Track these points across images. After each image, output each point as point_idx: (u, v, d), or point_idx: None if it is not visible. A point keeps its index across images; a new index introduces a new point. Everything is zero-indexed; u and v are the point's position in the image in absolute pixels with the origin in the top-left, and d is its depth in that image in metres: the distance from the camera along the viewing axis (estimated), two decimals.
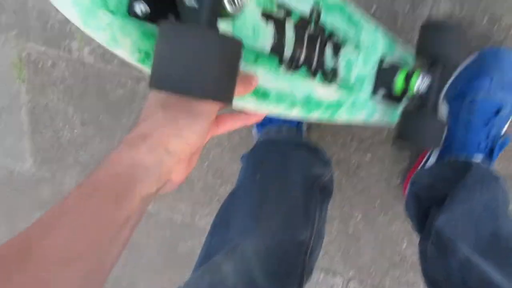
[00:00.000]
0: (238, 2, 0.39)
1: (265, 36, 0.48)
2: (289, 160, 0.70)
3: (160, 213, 1.13)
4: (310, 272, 0.66)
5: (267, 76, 0.48)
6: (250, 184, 0.68)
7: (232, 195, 0.69)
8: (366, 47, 0.63)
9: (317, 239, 0.67)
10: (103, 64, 0.98)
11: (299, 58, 0.53)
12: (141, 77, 0.97)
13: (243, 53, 0.38)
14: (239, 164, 1.01)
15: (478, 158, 0.73)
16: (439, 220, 0.67)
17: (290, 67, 0.51)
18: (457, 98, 0.75)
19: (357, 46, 0.61)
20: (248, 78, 0.43)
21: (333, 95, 0.59)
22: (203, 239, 1.12)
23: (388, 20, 0.78)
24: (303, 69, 0.52)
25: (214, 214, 1.08)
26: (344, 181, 0.95)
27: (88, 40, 0.97)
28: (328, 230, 0.97)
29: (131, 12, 0.36)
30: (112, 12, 0.35)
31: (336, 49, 0.58)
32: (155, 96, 0.40)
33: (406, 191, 0.85)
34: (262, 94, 0.47)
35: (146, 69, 0.38)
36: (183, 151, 0.39)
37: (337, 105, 0.60)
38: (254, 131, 0.91)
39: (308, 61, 0.54)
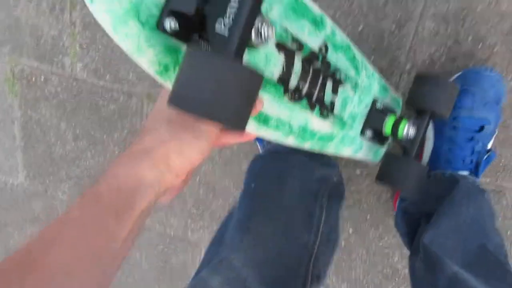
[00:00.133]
0: (264, 36, 0.40)
1: (276, 65, 0.50)
2: (287, 166, 0.70)
3: (153, 227, 1.13)
4: (318, 277, 0.65)
5: (271, 103, 0.50)
6: (243, 196, 0.68)
7: (231, 210, 0.70)
8: (363, 88, 0.65)
9: (325, 243, 0.66)
10: (95, 80, 0.99)
11: (302, 89, 0.55)
12: (133, 93, 0.98)
13: None
14: (230, 179, 1.01)
15: (463, 173, 0.74)
16: (426, 236, 0.67)
17: (293, 97, 0.52)
18: None
19: (355, 86, 0.63)
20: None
21: (326, 128, 0.61)
22: (195, 253, 1.12)
23: (375, 39, 0.80)
24: (304, 101, 0.54)
25: (206, 228, 1.09)
26: None
27: (81, 56, 0.97)
28: None
29: (159, 26, 0.38)
30: (142, 23, 0.36)
31: (336, 86, 0.61)
32: (160, 110, 0.40)
33: (396, 207, 0.86)
34: (263, 119, 0.49)
35: (161, 81, 0.39)
36: (184, 167, 0.39)
37: (328, 138, 0.62)
38: (258, 144, 0.91)
39: (309, 94, 0.57)
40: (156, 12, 0.38)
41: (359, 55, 0.62)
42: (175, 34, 0.38)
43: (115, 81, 0.97)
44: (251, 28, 0.38)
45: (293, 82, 0.53)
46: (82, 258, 0.33)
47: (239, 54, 0.37)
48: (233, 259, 0.58)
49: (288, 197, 0.66)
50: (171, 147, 0.38)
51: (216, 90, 0.34)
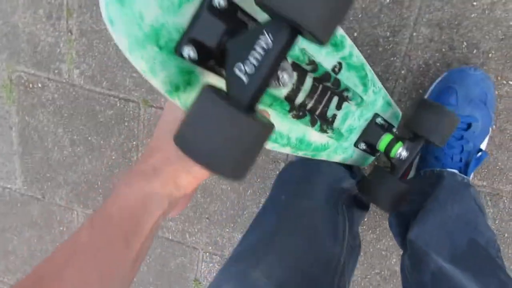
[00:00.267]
0: (282, 82, 0.40)
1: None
2: (316, 173, 0.71)
3: None
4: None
5: (274, 118, 0.50)
6: (269, 206, 0.68)
7: (255, 218, 0.69)
8: (367, 103, 0.66)
9: (350, 252, 0.66)
10: (92, 86, 0.99)
11: (307, 105, 0.55)
12: (130, 99, 0.98)
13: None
14: (226, 183, 1.02)
15: (452, 171, 0.74)
16: (412, 232, 0.67)
17: (298, 115, 0.53)
18: None
19: (360, 103, 0.64)
20: (262, 113, 0.45)
21: (323, 140, 0.62)
22: (193, 256, 1.13)
23: (370, 45, 0.80)
24: (308, 117, 0.54)
25: (204, 232, 1.09)
26: None
27: (77, 63, 0.98)
28: None
29: (177, 52, 0.37)
30: (160, 47, 0.36)
31: (341, 102, 0.61)
32: (166, 125, 0.41)
33: None
34: None
35: (166, 95, 0.39)
36: (191, 185, 0.40)
37: (323, 148, 0.63)
38: None
39: (313, 109, 0.57)
40: (176, 36, 0.37)
41: (370, 72, 0.63)
42: (192, 61, 0.38)
43: (111, 88, 0.98)
44: (272, 78, 0.36)
45: (300, 99, 0.54)
46: (91, 284, 0.33)
47: (254, 103, 0.36)
48: (257, 275, 0.56)
49: (315, 208, 0.66)
50: (179, 166, 0.39)
51: (222, 141, 0.33)
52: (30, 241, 1.27)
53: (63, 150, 1.09)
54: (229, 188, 1.02)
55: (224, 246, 1.09)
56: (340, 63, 0.56)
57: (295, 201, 0.66)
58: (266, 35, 0.34)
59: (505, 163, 0.82)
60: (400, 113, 0.78)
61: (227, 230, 1.07)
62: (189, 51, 0.37)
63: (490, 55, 0.76)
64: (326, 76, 0.53)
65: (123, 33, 0.34)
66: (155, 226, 0.38)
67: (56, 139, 1.08)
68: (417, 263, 0.66)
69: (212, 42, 0.38)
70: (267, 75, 0.35)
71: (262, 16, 0.38)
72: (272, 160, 0.96)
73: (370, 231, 0.96)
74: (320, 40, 0.33)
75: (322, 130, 0.59)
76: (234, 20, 0.40)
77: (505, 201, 0.85)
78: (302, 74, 0.52)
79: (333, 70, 0.55)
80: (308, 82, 0.54)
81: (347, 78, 0.59)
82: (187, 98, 0.41)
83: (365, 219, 0.96)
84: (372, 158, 0.80)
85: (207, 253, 1.12)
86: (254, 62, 0.35)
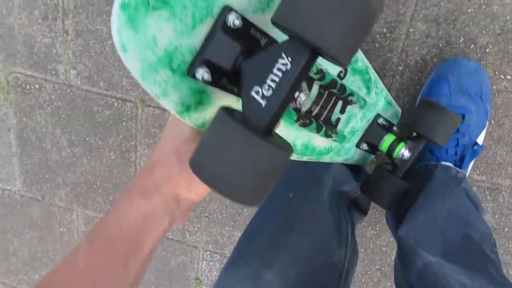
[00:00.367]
0: (299, 102, 0.39)
1: None
2: (324, 175, 0.70)
3: None
4: None
5: (282, 128, 0.50)
6: (275, 203, 0.66)
7: (261, 209, 0.67)
8: (370, 105, 0.66)
9: (352, 256, 0.66)
10: (89, 86, 0.99)
11: (312, 111, 0.55)
12: (127, 98, 0.98)
13: None
14: None
15: (446, 164, 0.74)
16: (402, 229, 0.67)
17: (304, 123, 0.52)
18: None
19: (363, 105, 0.64)
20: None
21: (326, 144, 0.62)
22: (193, 255, 1.13)
23: (367, 41, 0.80)
24: (314, 124, 0.54)
25: (204, 230, 1.09)
26: None
27: (74, 64, 0.97)
28: None
29: (190, 73, 0.36)
30: (172, 70, 0.35)
31: (345, 106, 0.61)
32: (168, 139, 0.40)
33: None
34: None
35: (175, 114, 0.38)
36: (192, 202, 0.40)
37: (326, 152, 0.63)
38: None
39: (318, 115, 0.57)
40: (189, 58, 0.36)
41: (373, 75, 0.63)
42: (205, 82, 0.37)
43: (109, 88, 0.97)
44: (290, 101, 0.35)
45: (306, 107, 0.53)
46: None
47: (272, 126, 0.34)
48: (271, 279, 0.55)
49: (323, 209, 0.66)
50: (180, 183, 0.38)
51: (239, 167, 0.31)
52: (31, 242, 1.27)
53: (61, 151, 1.09)
54: None
55: (225, 244, 1.09)
56: (345, 68, 0.56)
57: (303, 201, 0.66)
58: (285, 57, 0.33)
59: (504, 157, 0.82)
60: (400, 111, 0.78)
61: (227, 228, 1.07)
62: (203, 73, 0.36)
63: (487, 50, 0.76)
64: (332, 83, 0.53)
65: (136, 59, 0.33)
66: (154, 245, 0.38)
67: (55, 140, 1.08)
68: (405, 259, 0.66)
69: (227, 63, 0.37)
70: (285, 98, 0.33)
71: (275, 32, 0.37)
72: None
73: (370, 228, 0.96)
74: (341, 63, 0.31)
75: (327, 135, 0.58)
76: (248, 38, 0.39)
77: (505, 195, 0.85)
78: (309, 83, 0.52)
79: (339, 75, 0.54)
80: (315, 89, 0.53)
81: (352, 82, 0.59)
82: (198, 117, 0.40)
83: (365, 216, 0.96)
84: (372, 156, 0.80)
85: (208, 252, 1.12)
86: (272, 84, 0.33)
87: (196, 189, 0.39)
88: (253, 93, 0.34)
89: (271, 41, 0.41)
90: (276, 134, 0.36)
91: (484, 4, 0.73)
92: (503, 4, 0.72)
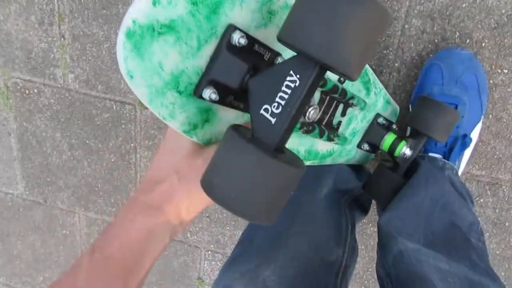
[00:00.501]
0: (308, 117, 0.39)
1: None
2: (325, 172, 0.71)
3: None
4: None
5: None
6: None
7: None
8: (369, 106, 0.67)
9: (351, 254, 0.67)
10: (87, 90, 0.99)
11: (315, 118, 0.55)
12: (125, 101, 0.98)
13: None
14: None
15: (434, 156, 0.74)
16: (382, 218, 0.67)
17: (308, 130, 0.52)
18: (417, 92, 0.77)
19: (363, 107, 0.64)
20: None
21: (328, 147, 0.62)
22: (195, 255, 1.14)
23: None
24: (316, 130, 0.54)
25: (205, 230, 1.10)
26: None
27: (72, 68, 0.98)
28: None
29: (197, 93, 0.36)
30: (179, 92, 0.35)
31: (345, 109, 0.61)
32: (166, 155, 0.40)
33: None
34: None
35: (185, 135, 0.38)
36: (192, 217, 0.40)
37: (328, 155, 0.64)
38: None
39: (320, 120, 0.57)
40: (195, 79, 0.36)
41: (372, 76, 0.63)
42: (212, 101, 0.37)
43: (107, 91, 0.98)
44: (300, 118, 0.34)
45: (314, 115, 0.53)
46: None
47: (282, 144, 0.34)
48: (268, 276, 0.56)
49: (323, 207, 0.66)
50: (181, 201, 0.38)
51: (251, 186, 0.31)
52: (34, 245, 1.28)
53: (62, 154, 1.09)
54: None
55: (226, 244, 1.10)
56: None
57: (303, 200, 0.66)
58: (293, 74, 0.32)
59: (503, 152, 0.81)
60: (398, 108, 0.78)
61: (228, 228, 1.07)
62: (210, 93, 0.36)
63: (483, 44, 0.75)
64: (334, 89, 0.53)
65: (143, 85, 0.33)
66: (154, 261, 0.38)
67: (55, 143, 1.08)
68: (383, 247, 0.67)
69: (234, 83, 0.37)
70: (295, 116, 0.33)
71: (279, 45, 0.36)
72: None
73: (371, 225, 0.96)
74: (351, 78, 0.31)
75: (330, 139, 0.58)
76: (252, 54, 0.39)
77: (505, 190, 0.84)
78: None
79: (339, 80, 0.54)
80: (317, 96, 0.53)
81: (351, 85, 0.59)
82: (204, 135, 0.40)
83: None
84: (373, 155, 0.81)
85: (209, 252, 1.12)
86: (281, 101, 0.33)
87: (197, 205, 0.39)
88: (262, 111, 0.33)
89: (275, 54, 0.41)
90: (287, 150, 0.36)
91: None
92: None
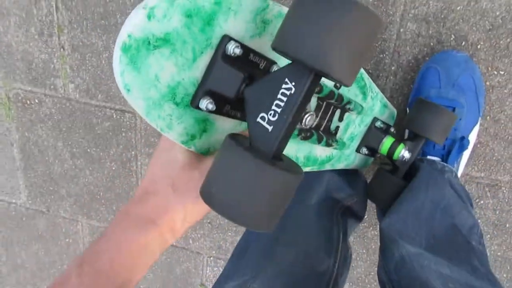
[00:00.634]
0: (305, 124, 0.40)
1: None
2: (317, 182, 0.70)
3: None
4: None
5: None
6: None
7: None
8: (366, 110, 0.67)
9: (343, 263, 0.67)
10: (88, 99, 1.00)
11: (312, 124, 0.55)
12: (125, 109, 0.99)
13: None
14: None
15: (433, 159, 0.74)
16: (384, 222, 0.67)
17: (306, 136, 0.52)
18: (414, 95, 0.77)
19: (360, 111, 0.64)
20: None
21: (327, 152, 0.63)
22: (197, 261, 1.14)
23: None
24: (314, 136, 0.54)
25: (207, 237, 1.10)
26: None
27: (72, 78, 0.99)
28: None
29: (193, 104, 0.36)
30: (176, 103, 0.36)
31: (343, 114, 0.62)
32: (162, 168, 0.39)
33: None
34: None
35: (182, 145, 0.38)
36: (186, 229, 0.40)
37: (327, 160, 0.64)
38: None
39: (318, 126, 0.57)
40: (191, 90, 0.36)
41: (368, 80, 0.63)
42: (209, 111, 0.37)
43: (107, 100, 0.99)
44: (296, 125, 0.35)
45: (310, 122, 0.54)
46: None
47: (280, 151, 0.34)
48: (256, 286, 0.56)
49: (313, 217, 0.66)
50: (176, 214, 0.38)
51: (250, 194, 0.31)
52: (38, 254, 1.29)
53: (64, 163, 1.10)
54: None
55: (228, 250, 1.10)
56: None
57: (293, 208, 0.66)
58: (289, 82, 0.33)
59: (502, 153, 0.81)
60: (395, 111, 0.79)
61: (230, 234, 1.08)
62: (206, 104, 0.36)
63: (479, 46, 0.76)
64: (330, 94, 0.53)
65: (140, 98, 0.33)
66: (144, 274, 0.38)
67: (57, 153, 1.09)
68: (385, 251, 0.67)
69: (231, 92, 0.37)
70: (292, 122, 0.33)
71: (274, 53, 0.37)
72: None
73: (371, 228, 0.96)
74: (345, 84, 0.31)
75: (328, 145, 0.59)
76: (248, 64, 0.39)
77: (504, 191, 0.84)
78: None
79: (335, 86, 0.54)
80: (313, 102, 0.53)
81: (348, 90, 0.59)
82: (202, 145, 0.40)
83: (366, 216, 0.96)
84: (372, 159, 0.81)
85: (211, 258, 1.13)
86: (277, 109, 0.33)
87: (191, 218, 0.39)
88: (259, 119, 0.34)
89: (270, 63, 0.42)
90: (285, 156, 0.36)
91: (473, 0, 0.73)
92: (492, 0, 0.72)
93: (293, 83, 0.33)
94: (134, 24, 0.31)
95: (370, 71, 0.82)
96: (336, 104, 0.57)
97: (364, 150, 0.73)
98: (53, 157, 1.10)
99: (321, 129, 0.58)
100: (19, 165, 1.15)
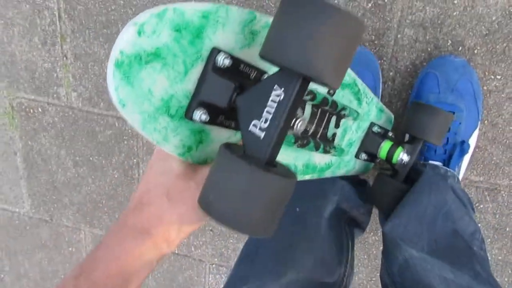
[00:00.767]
0: (296, 129, 0.41)
1: None
2: (330, 190, 0.71)
3: None
4: None
5: (280, 151, 0.51)
6: (284, 216, 0.67)
7: None
8: (362, 115, 0.68)
9: (350, 272, 0.67)
10: (90, 107, 1.01)
11: (309, 131, 0.56)
12: None
13: None
14: None
15: (435, 163, 0.74)
16: (387, 226, 0.68)
17: (302, 144, 0.53)
18: (413, 100, 0.78)
19: (356, 117, 0.65)
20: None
21: (326, 159, 0.63)
22: (200, 269, 1.14)
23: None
24: (311, 143, 0.55)
25: (209, 244, 1.10)
26: None
27: (74, 86, 1.00)
28: None
29: (188, 115, 0.37)
30: (171, 116, 0.36)
31: (339, 120, 0.63)
32: (156, 179, 0.39)
33: None
34: None
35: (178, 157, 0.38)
36: (181, 240, 0.40)
37: (327, 167, 0.64)
38: None
39: (314, 133, 0.58)
40: (185, 102, 0.37)
41: (361, 86, 0.64)
42: (203, 122, 0.38)
43: (109, 108, 1.00)
44: (287, 130, 0.36)
45: (302, 127, 0.55)
46: None
47: (273, 157, 0.35)
48: None
49: (327, 226, 0.66)
50: (171, 224, 0.38)
51: (246, 201, 0.32)
52: (41, 263, 1.30)
53: (66, 171, 1.11)
54: None
55: (230, 257, 1.10)
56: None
57: (308, 217, 0.66)
58: (278, 88, 0.34)
59: (500, 157, 0.82)
60: (393, 116, 0.79)
61: (231, 241, 1.08)
62: (200, 115, 0.37)
63: (475, 51, 0.77)
64: (324, 101, 0.54)
65: (135, 112, 0.34)
66: (140, 284, 0.38)
67: (60, 161, 1.10)
68: (388, 254, 0.67)
69: (223, 102, 0.38)
70: (283, 128, 0.34)
71: (264, 63, 0.38)
72: None
73: (372, 234, 0.97)
74: (332, 87, 0.33)
75: (326, 151, 0.59)
76: (239, 74, 0.40)
77: (504, 195, 0.85)
78: (302, 104, 0.53)
79: (329, 93, 0.55)
80: (308, 110, 0.54)
81: (342, 96, 0.60)
82: (199, 156, 0.41)
83: None
84: (372, 164, 0.81)
85: (214, 265, 1.13)
86: (268, 116, 0.34)
87: (187, 229, 0.39)
88: (252, 127, 0.35)
89: (261, 72, 0.42)
90: (279, 163, 0.37)
91: (469, 6, 0.74)
92: (488, 5, 0.73)
93: (282, 89, 0.34)
94: (126, 40, 0.32)
95: None
96: (331, 111, 0.58)
97: (363, 155, 0.73)
98: (56, 165, 1.11)
99: (318, 136, 0.59)
100: (22, 174, 1.16)
